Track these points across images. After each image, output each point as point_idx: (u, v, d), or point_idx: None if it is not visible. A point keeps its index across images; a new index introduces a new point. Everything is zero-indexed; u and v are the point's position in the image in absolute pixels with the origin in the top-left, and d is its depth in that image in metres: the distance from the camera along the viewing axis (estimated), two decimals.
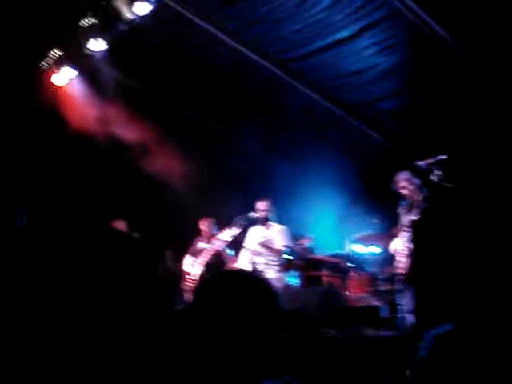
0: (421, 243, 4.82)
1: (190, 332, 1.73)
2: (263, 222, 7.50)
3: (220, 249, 7.70)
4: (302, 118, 9.00)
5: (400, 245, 6.33)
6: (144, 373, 1.86)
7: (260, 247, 7.32)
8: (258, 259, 7.35)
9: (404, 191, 6.35)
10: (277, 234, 7.42)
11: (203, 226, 8.05)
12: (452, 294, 4.10)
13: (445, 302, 4.12)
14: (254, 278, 1.85)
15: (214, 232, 7.99)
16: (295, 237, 8.71)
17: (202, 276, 7.51)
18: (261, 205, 7.49)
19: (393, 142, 9.15)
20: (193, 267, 7.83)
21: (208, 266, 7.64)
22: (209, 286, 1.83)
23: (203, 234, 8.04)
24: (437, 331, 1.70)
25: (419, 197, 6.00)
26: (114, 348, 1.86)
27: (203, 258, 7.74)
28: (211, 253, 7.70)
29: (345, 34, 7.06)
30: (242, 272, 2.02)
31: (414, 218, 5.88)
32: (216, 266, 7.55)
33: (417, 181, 6.25)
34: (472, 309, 3.71)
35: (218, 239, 7.64)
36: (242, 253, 7.66)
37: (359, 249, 9.13)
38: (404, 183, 6.32)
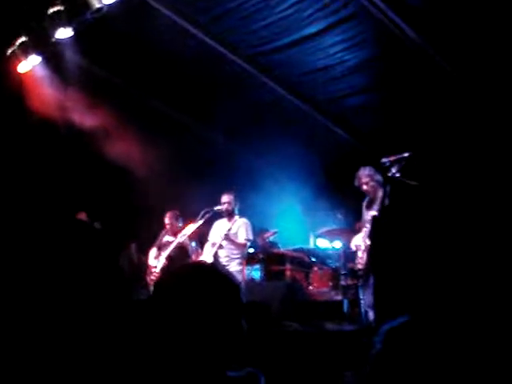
0: (379, 239, 4.90)
1: (151, 323, 1.73)
2: (227, 215, 7.54)
3: (184, 242, 7.70)
4: (269, 112, 9.04)
5: (361, 240, 6.44)
6: (103, 364, 1.86)
7: (223, 240, 7.35)
8: (220, 252, 7.39)
9: (365, 187, 6.45)
10: (240, 228, 7.47)
11: (168, 219, 8.03)
12: (409, 289, 4.19)
13: (402, 297, 4.21)
14: (215, 270, 1.86)
15: (179, 225, 7.98)
16: (259, 230, 8.79)
17: (165, 269, 7.51)
18: (226, 198, 7.53)
19: (358, 138, 9.25)
20: (157, 260, 7.82)
21: (171, 258, 7.63)
22: (170, 278, 1.84)
23: (168, 227, 8.02)
24: (391, 324, 1.75)
25: (380, 193, 6.11)
26: (71, 338, 1.87)
27: (167, 251, 7.73)
28: (175, 246, 7.69)
29: (312, 30, 7.10)
30: (203, 264, 2.04)
31: (373, 213, 5.99)
32: (179, 258, 7.55)
33: (379, 177, 6.35)
34: (427, 303, 3.80)
35: (183, 233, 7.64)
36: (206, 246, 7.69)
37: (323, 243, 9.23)
38: (365, 179, 6.42)
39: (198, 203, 8.15)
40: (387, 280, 4.54)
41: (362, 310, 6.29)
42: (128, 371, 1.78)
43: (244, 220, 7.53)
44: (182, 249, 7.71)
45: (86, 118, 8.00)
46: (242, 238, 7.42)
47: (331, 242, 8.78)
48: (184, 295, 1.72)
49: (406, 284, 4.36)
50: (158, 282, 1.85)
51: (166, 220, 8.00)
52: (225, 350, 1.72)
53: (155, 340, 1.72)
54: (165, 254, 7.73)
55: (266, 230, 8.87)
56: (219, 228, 7.60)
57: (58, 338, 1.88)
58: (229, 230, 7.40)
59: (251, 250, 8.90)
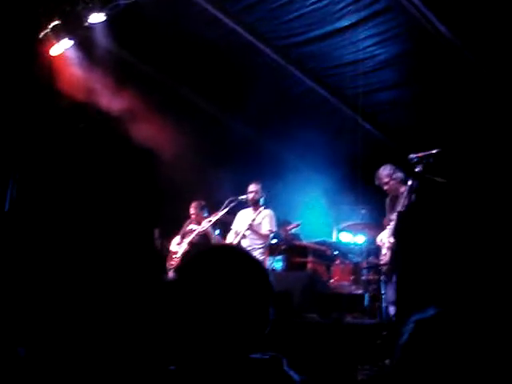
0: (404, 235, 4.89)
1: (177, 305, 1.71)
2: (253, 205, 7.58)
3: (207, 230, 7.76)
4: (297, 103, 9.04)
5: (385, 237, 6.43)
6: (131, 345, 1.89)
7: (246, 230, 7.39)
8: (243, 242, 7.43)
9: (386, 187, 6.45)
10: (264, 219, 7.51)
11: (193, 209, 8.10)
12: (432, 287, 4.19)
13: (425, 294, 4.21)
14: (244, 253, 1.84)
15: (204, 215, 8.05)
16: (282, 222, 8.80)
17: (186, 254, 7.59)
18: (252, 187, 7.57)
19: (386, 133, 9.22)
20: (179, 246, 7.90)
21: (193, 244, 7.71)
22: (195, 260, 1.80)
23: (193, 217, 8.09)
24: (419, 316, 1.75)
25: (402, 190, 6.09)
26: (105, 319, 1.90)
27: (189, 238, 7.80)
28: (198, 233, 7.76)
29: (344, 23, 7.08)
30: (231, 246, 1.99)
31: (398, 210, 5.98)
32: (202, 245, 7.62)
33: (399, 174, 6.34)
34: (452, 302, 3.79)
35: (206, 221, 7.71)
36: (229, 235, 7.74)
37: (346, 238, 9.21)
38: (385, 179, 6.42)
39: (223, 192, 8.22)
40: (411, 277, 4.53)
41: (383, 305, 6.29)
42: (155, 353, 1.79)
43: (268, 211, 7.56)
44: (204, 236, 7.78)
45: (114, 102, 8.07)
46: (265, 228, 7.47)
47: (354, 236, 8.76)
48: (210, 278, 1.70)
49: (430, 282, 4.35)
50: (182, 265, 1.82)
51: (191, 210, 8.07)
52: (250, 333, 1.70)
53: (181, 321, 1.70)
54: (187, 240, 7.80)
55: (289, 222, 8.86)
56: (243, 217, 7.64)
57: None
58: (253, 220, 7.43)
59: (274, 241, 8.93)
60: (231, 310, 1.67)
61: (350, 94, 8.59)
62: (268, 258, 8.60)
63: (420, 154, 5.68)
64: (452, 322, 1.67)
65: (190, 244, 7.79)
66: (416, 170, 5.64)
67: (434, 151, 5.61)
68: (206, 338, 1.67)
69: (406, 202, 5.73)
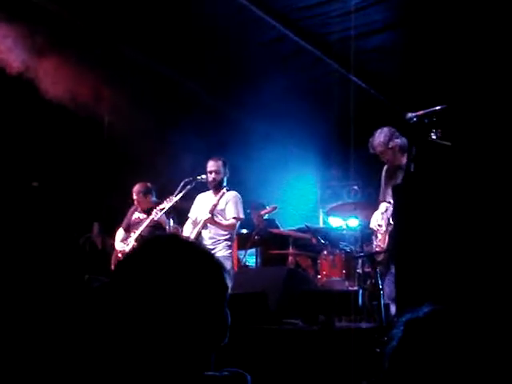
0: (402, 215, 4.91)
1: (109, 313, 1.71)
2: (214, 187, 7.55)
3: (160, 219, 7.73)
4: (266, 57, 8.98)
5: (380, 218, 6.46)
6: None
7: (207, 219, 7.37)
8: (204, 233, 7.44)
9: (382, 156, 6.47)
10: (228, 203, 7.50)
11: (135, 193, 8.07)
12: (438, 278, 4.21)
13: (429, 287, 4.23)
14: (192, 244, 1.86)
15: (152, 200, 8.01)
16: (255, 206, 8.82)
17: None
18: (212, 165, 7.55)
19: (378, 88, 9.23)
20: (125, 243, 7.86)
21: (143, 240, 7.66)
22: (133, 255, 1.82)
23: (137, 203, 8.06)
24: (411, 315, 1.74)
25: (404, 160, 6.12)
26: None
27: (138, 231, 7.76)
28: (148, 224, 7.73)
29: None
30: (176, 236, 2.00)
31: (396, 184, 6.02)
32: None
33: (398, 140, 6.37)
34: (459, 295, 3.82)
35: (158, 209, 7.67)
36: (186, 225, 7.73)
37: (335, 222, 9.26)
38: (380, 148, 6.45)
39: (177, 172, 8.19)
40: (411, 267, 4.55)
41: (383, 303, 6.33)
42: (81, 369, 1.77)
43: (233, 193, 7.58)
44: (156, 228, 7.76)
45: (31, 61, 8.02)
46: (230, 215, 7.47)
47: (345, 219, 8.79)
48: (150, 276, 1.69)
49: (435, 272, 4.37)
50: (120, 262, 1.82)
51: (134, 195, 8.05)
52: (203, 345, 1.71)
53: (112, 333, 1.70)
54: (135, 234, 7.76)
55: (263, 206, 8.89)
56: (203, 203, 7.64)
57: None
58: (214, 205, 7.42)
59: (244, 231, 8.95)
60: (175, 316, 1.67)
61: (331, 41, 8.55)
62: (238, 252, 8.63)
63: (420, 113, 5.68)
64: (450, 323, 1.65)
65: (140, 239, 7.75)
66: (416, 132, 5.66)
67: (437, 108, 5.61)
68: (144, 354, 1.66)
69: (404, 176, 5.76)
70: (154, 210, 7.71)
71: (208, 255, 1.83)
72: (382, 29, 8.17)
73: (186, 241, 1.92)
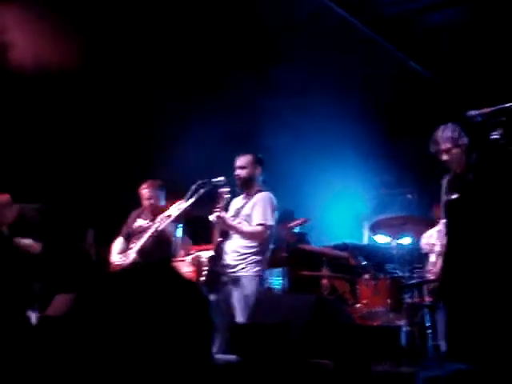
0: (457, 236, 4.84)
1: (67, 349, 1.76)
2: (241, 186, 7.44)
3: (165, 229, 7.73)
4: (304, 32, 8.99)
5: (435, 237, 6.40)
6: None
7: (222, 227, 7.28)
8: (228, 245, 7.27)
9: (446, 157, 6.37)
10: (256, 207, 7.29)
11: (147, 191, 8.07)
12: (497, 315, 4.15)
13: (485, 326, 4.17)
14: (174, 273, 1.92)
15: (161, 204, 8.02)
16: (283, 215, 8.78)
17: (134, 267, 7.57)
18: (239, 160, 7.43)
19: (439, 76, 9.18)
20: (123, 256, 7.88)
21: (145, 253, 7.69)
22: (100, 288, 1.88)
23: (145, 206, 8.07)
24: (428, 372, 1.76)
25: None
26: None
27: (139, 243, 7.78)
28: (152, 234, 7.73)
29: None
30: (157, 265, 2.05)
31: (453, 197, 5.94)
32: (157, 254, 7.60)
33: (466, 139, 6.27)
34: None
35: (164, 216, 7.67)
36: (215, 236, 7.62)
37: (381, 239, 9.21)
38: (447, 145, 6.31)
39: (189, 171, 8.21)
40: (465, 300, 4.49)
41: (430, 343, 6.29)
42: None
43: (263, 195, 7.36)
44: (161, 240, 7.76)
45: None
46: (255, 221, 7.28)
47: (395, 236, 8.72)
48: (127, 310, 1.75)
49: (494, 307, 4.31)
50: (82, 291, 1.88)
51: (144, 193, 8.05)
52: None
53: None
54: (136, 246, 7.78)
55: (292, 216, 8.85)
56: (232, 209, 7.55)
57: None
58: (238, 209, 7.35)
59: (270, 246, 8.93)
60: (153, 356, 1.72)
61: (384, 18, 8.52)
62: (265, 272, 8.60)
63: (486, 110, 5.60)
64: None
65: (141, 253, 7.76)
66: (480, 134, 5.59)
67: (508, 105, 5.53)
68: None
69: (462, 187, 5.69)
70: (159, 217, 7.70)
71: (191, 290, 1.88)
72: (448, 3, 8.13)
73: (174, 272, 1.97)
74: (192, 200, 7.54)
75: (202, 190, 7.53)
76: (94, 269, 8.74)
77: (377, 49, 9.04)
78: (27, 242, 7.97)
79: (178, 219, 7.72)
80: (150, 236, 7.76)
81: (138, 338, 1.74)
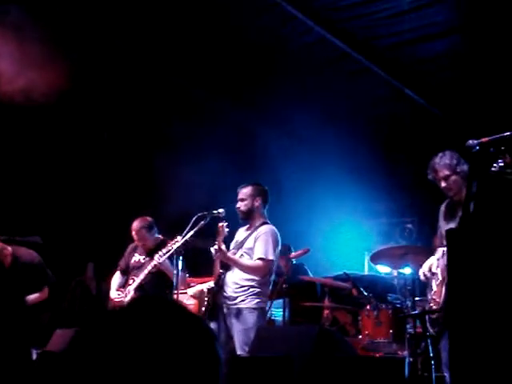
0: (457, 266, 4.81)
1: None
2: (243, 219, 7.46)
3: (164, 264, 7.71)
4: (301, 62, 9.01)
5: (435, 266, 6.38)
6: None
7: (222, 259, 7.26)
8: (229, 276, 7.27)
9: (445, 184, 6.37)
10: (258, 240, 7.29)
11: (136, 229, 8.06)
12: (502, 346, 4.11)
13: (490, 356, 4.13)
14: (180, 310, 1.83)
15: (152, 240, 8.01)
16: (283, 248, 8.77)
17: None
18: (239, 193, 7.45)
19: (436, 104, 9.20)
20: (123, 292, 7.86)
21: (143, 290, 7.68)
22: (102, 324, 1.80)
23: (138, 242, 8.06)
24: None
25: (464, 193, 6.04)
26: None
27: (138, 280, 7.75)
28: (150, 270, 7.72)
29: None
30: (159, 300, 2.02)
31: (453, 226, 5.93)
32: (156, 289, 7.59)
33: (466, 167, 6.27)
34: None
35: (162, 253, 7.64)
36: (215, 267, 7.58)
37: (382, 269, 9.18)
38: (445, 171, 6.33)
39: (190, 202, 8.22)
40: (468, 331, 4.46)
41: (434, 375, 6.25)
42: None
43: (266, 228, 7.39)
44: (159, 275, 7.74)
45: None
46: (256, 255, 7.27)
47: (396, 266, 8.70)
48: (123, 347, 1.69)
49: (498, 339, 4.28)
50: (85, 326, 1.85)
51: (134, 233, 8.03)
52: None
53: None
54: (135, 283, 7.76)
55: (289, 248, 8.83)
56: (235, 240, 7.56)
57: None
58: (241, 242, 7.35)
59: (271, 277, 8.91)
60: None
61: (380, 47, 8.55)
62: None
63: (485, 140, 5.60)
64: None
65: (140, 289, 7.75)
66: (480, 164, 5.59)
67: (506, 134, 5.54)
68: None
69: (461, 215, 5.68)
70: (158, 254, 7.68)
71: (196, 325, 1.80)
72: (442, 33, 8.15)
73: (173, 306, 1.88)
74: (191, 233, 7.54)
75: (201, 222, 7.53)
76: (95, 303, 8.70)
77: (372, 77, 9.07)
78: (33, 297, 7.91)
79: (177, 253, 7.68)
80: (148, 273, 7.75)
81: (141, 377, 1.71)
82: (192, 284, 8.06)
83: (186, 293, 7.81)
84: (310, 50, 8.79)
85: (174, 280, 7.65)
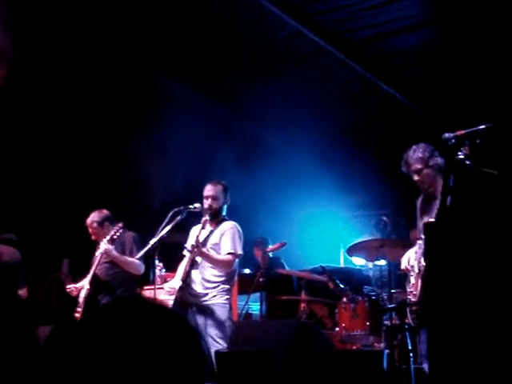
0: (435, 258, 4.86)
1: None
2: (210, 216, 7.47)
3: (111, 254, 7.75)
4: (279, 56, 9.02)
5: (413, 258, 6.43)
6: None
7: (196, 254, 7.28)
8: (194, 274, 7.30)
9: (417, 177, 6.41)
10: (224, 236, 7.36)
11: (90, 224, 8.05)
12: (479, 335, 4.17)
13: (468, 347, 4.18)
14: (157, 309, 1.83)
15: (109, 230, 7.98)
16: (259, 242, 8.81)
17: (87, 302, 7.60)
18: (209, 190, 7.46)
19: (411, 97, 9.24)
20: (75, 287, 7.88)
21: (97, 284, 7.71)
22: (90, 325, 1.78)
23: (94, 236, 8.05)
24: None
25: (439, 186, 6.09)
26: None
27: (90, 274, 7.75)
28: (99, 262, 7.76)
29: None
30: (138, 300, 2.00)
31: (429, 219, 5.97)
32: (111, 278, 7.70)
33: (438, 160, 6.32)
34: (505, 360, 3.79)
35: (106, 240, 7.68)
36: (181, 265, 7.60)
37: (358, 261, 9.23)
38: (417, 165, 6.37)
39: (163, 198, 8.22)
40: (446, 321, 4.51)
41: (412, 366, 6.29)
42: None
43: (230, 224, 7.48)
44: (113, 265, 7.84)
45: None
46: (224, 250, 7.35)
47: (371, 259, 8.77)
48: (102, 346, 1.68)
49: (475, 328, 4.34)
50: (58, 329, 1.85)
51: (88, 228, 8.04)
52: None
53: None
54: (87, 277, 7.77)
55: (267, 242, 8.87)
56: (196, 237, 7.56)
57: None
58: (206, 237, 7.37)
59: (247, 271, 8.93)
60: None
61: (354, 41, 8.58)
62: (239, 297, 8.59)
63: (460, 133, 5.65)
64: None
65: (92, 283, 7.75)
66: (455, 157, 5.63)
67: (481, 127, 5.58)
68: None
69: (439, 209, 5.72)
70: (102, 241, 7.68)
71: (179, 322, 1.81)
72: (416, 26, 8.19)
73: (150, 303, 1.87)
74: (168, 228, 7.52)
75: (178, 217, 7.53)
76: (70, 300, 8.67)
77: (347, 69, 9.10)
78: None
79: (155, 249, 7.65)
80: (100, 262, 7.76)
81: (125, 377, 1.70)
82: (168, 279, 8.06)
83: (162, 288, 7.80)
84: (285, 44, 8.81)
85: (151, 276, 7.70)
